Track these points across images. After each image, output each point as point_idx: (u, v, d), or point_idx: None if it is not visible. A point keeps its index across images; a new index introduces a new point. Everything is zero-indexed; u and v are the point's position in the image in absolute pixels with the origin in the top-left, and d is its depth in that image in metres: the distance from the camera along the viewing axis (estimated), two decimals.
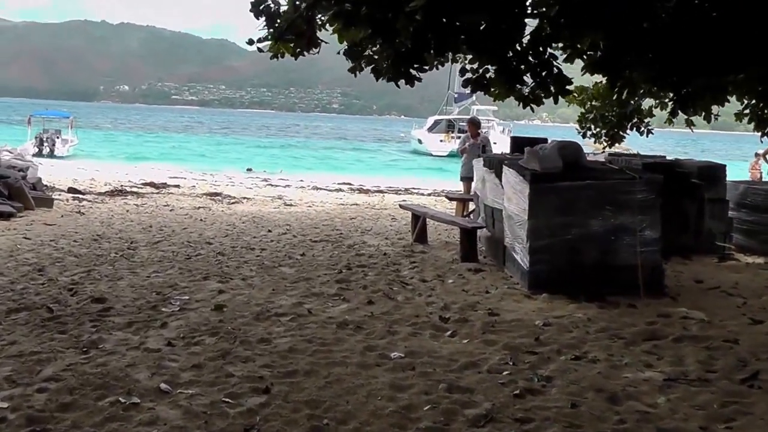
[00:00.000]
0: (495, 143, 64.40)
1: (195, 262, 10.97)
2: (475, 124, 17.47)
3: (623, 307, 8.43)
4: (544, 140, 13.03)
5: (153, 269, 10.26)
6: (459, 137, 69.64)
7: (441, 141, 70.79)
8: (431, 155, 69.32)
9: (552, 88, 9.87)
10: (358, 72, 10.50)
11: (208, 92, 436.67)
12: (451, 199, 17.33)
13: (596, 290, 8.84)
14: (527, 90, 10.23)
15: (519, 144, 13.24)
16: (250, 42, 9.88)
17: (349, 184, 34.87)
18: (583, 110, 16.66)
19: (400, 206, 15.32)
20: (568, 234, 9.28)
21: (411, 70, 9.62)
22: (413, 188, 33.37)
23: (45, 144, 47.51)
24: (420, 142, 75.33)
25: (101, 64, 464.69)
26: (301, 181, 35.48)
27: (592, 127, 16.69)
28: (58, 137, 49.78)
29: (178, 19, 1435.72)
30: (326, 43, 9.95)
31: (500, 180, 10.76)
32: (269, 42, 9.86)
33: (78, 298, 8.40)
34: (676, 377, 6.07)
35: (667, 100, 15.12)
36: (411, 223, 13.73)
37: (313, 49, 9.92)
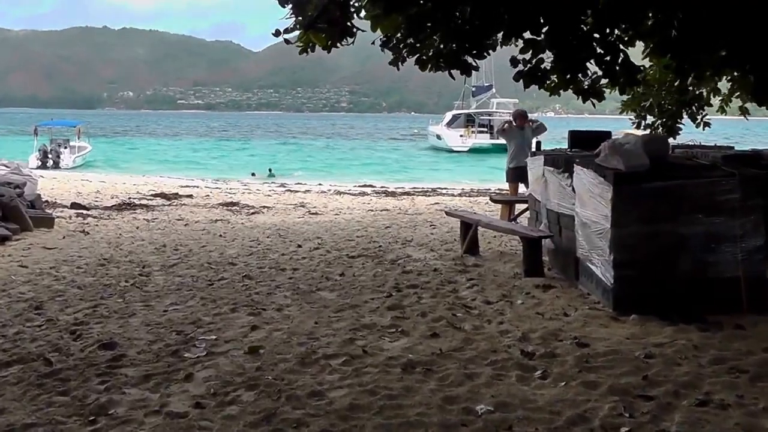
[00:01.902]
0: None
1: (219, 289, 9.66)
2: (523, 116, 16.13)
3: (729, 329, 7.24)
4: (608, 134, 11.84)
5: (170, 301, 8.95)
6: (480, 131, 69.67)
7: (461, 136, 70.36)
8: (452, 151, 69.02)
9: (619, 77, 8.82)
10: (400, 64, 9.57)
11: (215, 95, 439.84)
12: (496, 201, 16.00)
13: (692, 308, 7.70)
14: (587, 82, 9.21)
15: (578, 139, 11.99)
16: (277, 33, 8.78)
17: (372, 186, 34.18)
18: (626, 98, 15.42)
19: (446, 213, 13.96)
20: (659, 243, 8.05)
21: (468, 58, 8.56)
22: (440, 188, 32.54)
23: (49, 156, 46.66)
24: (438, 138, 74.96)
25: (104, 70, 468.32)
26: (320, 184, 34.62)
27: (647, 117, 15.42)
28: (66, 147, 49.18)
29: (180, 23, 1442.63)
30: (363, 31, 8.89)
31: (569, 181, 9.53)
32: (297, 32, 8.76)
33: (82, 343, 7.07)
34: None
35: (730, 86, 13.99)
36: (460, 232, 12.43)
37: (348, 39, 8.82)
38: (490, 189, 31.45)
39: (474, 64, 8.76)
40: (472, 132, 71.34)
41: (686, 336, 7.01)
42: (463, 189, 31.92)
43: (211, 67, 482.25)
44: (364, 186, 34.39)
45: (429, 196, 28.22)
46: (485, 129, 71.91)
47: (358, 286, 9.67)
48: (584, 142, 11.45)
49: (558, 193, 10.10)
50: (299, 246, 13.38)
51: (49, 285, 9.98)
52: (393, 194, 29.04)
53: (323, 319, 7.92)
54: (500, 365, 6.27)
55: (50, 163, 46.30)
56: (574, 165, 9.28)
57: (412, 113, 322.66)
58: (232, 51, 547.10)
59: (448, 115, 77.46)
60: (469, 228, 11.98)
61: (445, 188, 32.88)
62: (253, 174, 44.92)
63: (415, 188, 32.74)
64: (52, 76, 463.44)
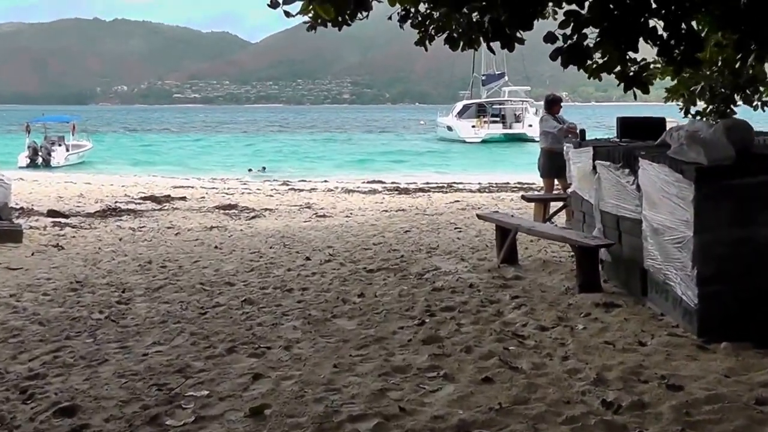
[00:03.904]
0: (531, 126, 64.50)
1: (213, 319, 8.23)
2: (558, 102, 14.86)
3: None
4: (662, 121, 10.69)
5: (152, 339, 7.50)
6: (494, 121, 69.63)
7: (473, 127, 70.21)
8: (464, 142, 69.15)
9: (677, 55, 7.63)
10: (428, 43, 8.73)
11: (212, 89, 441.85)
12: (529, 199, 14.66)
13: None
14: (634, 68, 8.08)
15: (629, 126, 10.81)
16: (274, 5, 7.52)
17: (381, 182, 33.17)
18: (674, 83, 14.14)
19: (479, 217, 12.55)
20: (753, 253, 6.80)
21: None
22: (456, 183, 31.59)
23: (39, 153, 46.07)
24: (449, 129, 74.75)
25: (96, 64, 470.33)
26: (326, 181, 33.49)
27: (697, 101, 14.09)
28: (60, 145, 48.71)
29: (175, 13, 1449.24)
30: (379, 1, 7.91)
31: (632, 178, 8.27)
32: (301, 3, 7.60)
33: (34, 406, 5.62)
34: None
35: None
36: (496, 239, 11.09)
37: (362, 13, 7.85)
38: (508, 183, 30.46)
39: (519, 36, 7.52)
40: (485, 122, 71.11)
41: None
42: (480, 183, 30.70)
43: (207, 60, 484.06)
44: (374, 182, 33.27)
45: (446, 192, 27.00)
46: (498, 119, 71.71)
47: (381, 310, 8.31)
48: (636, 131, 10.38)
49: (616, 192, 8.85)
50: (308, 258, 12.02)
51: (4, 321, 8.45)
52: (406, 191, 27.81)
53: (344, 360, 6.54)
54: (580, 424, 4.99)
55: (40, 161, 45.87)
56: (640, 159, 8.00)
57: (416, 104, 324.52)
58: (229, 42, 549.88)
59: (459, 105, 77.19)
60: (505, 234, 10.64)
61: (461, 183, 31.78)
62: (250, 170, 44.82)
63: (428, 183, 31.68)
64: (42, 71, 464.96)
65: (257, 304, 8.93)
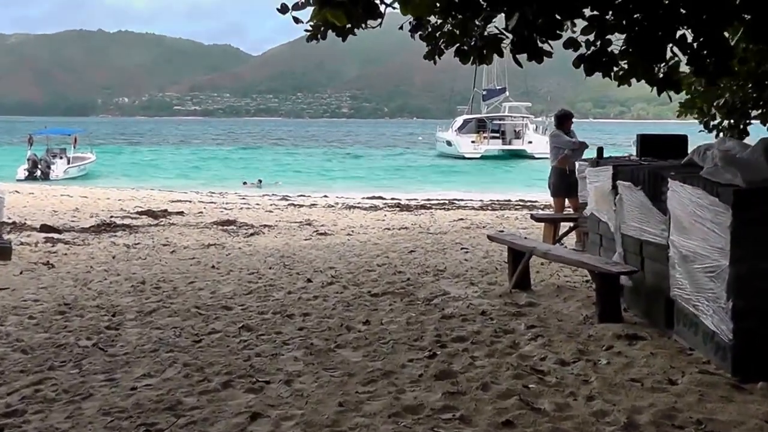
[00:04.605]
0: (530, 142, 64.20)
1: (208, 348, 7.59)
2: (568, 117, 14.38)
3: None
4: (684, 138, 10.18)
5: (142, 370, 6.86)
6: (494, 137, 69.66)
7: (473, 142, 70.13)
8: (463, 158, 69.16)
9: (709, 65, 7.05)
10: (438, 57, 8.41)
11: (212, 101, 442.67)
12: (538, 219, 14.11)
13: None
14: (663, 70, 7.53)
15: (650, 144, 10.34)
16: (284, 9, 7.12)
17: (382, 197, 32.84)
18: (688, 95, 13.56)
19: (490, 238, 11.85)
20: None
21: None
22: (457, 200, 31.37)
23: (39, 166, 45.95)
24: (449, 144, 74.50)
25: (99, 75, 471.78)
26: (326, 197, 33.04)
27: (717, 116, 13.49)
28: (61, 157, 48.76)
29: (178, 25, 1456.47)
30: (393, 8, 7.34)
31: (658, 199, 7.79)
32: (311, 8, 7.06)
33: None
34: None
35: None
36: (508, 262, 10.50)
37: (372, 22, 7.32)
38: (510, 200, 30.06)
39: (549, 48, 7.02)
40: (484, 138, 70.95)
41: None
42: (482, 201, 30.25)
43: (208, 72, 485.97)
44: (375, 198, 32.92)
45: (448, 209, 26.47)
46: (497, 134, 71.64)
47: (389, 340, 7.70)
48: (657, 148, 9.96)
49: (639, 214, 8.31)
50: (309, 280, 11.36)
51: None
52: (408, 208, 27.30)
53: (349, 397, 5.95)
54: None
55: (38, 173, 45.63)
56: (669, 180, 7.43)
57: (415, 118, 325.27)
58: (230, 55, 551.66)
59: (459, 120, 77.06)
60: (518, 257, 10.05)
61: (463, 199, 31.47)
62: (244, 183, 45.03)
63: (429, 200, 31.37)
64: (46, 82, 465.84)
65: (256, 331, 8.30)
